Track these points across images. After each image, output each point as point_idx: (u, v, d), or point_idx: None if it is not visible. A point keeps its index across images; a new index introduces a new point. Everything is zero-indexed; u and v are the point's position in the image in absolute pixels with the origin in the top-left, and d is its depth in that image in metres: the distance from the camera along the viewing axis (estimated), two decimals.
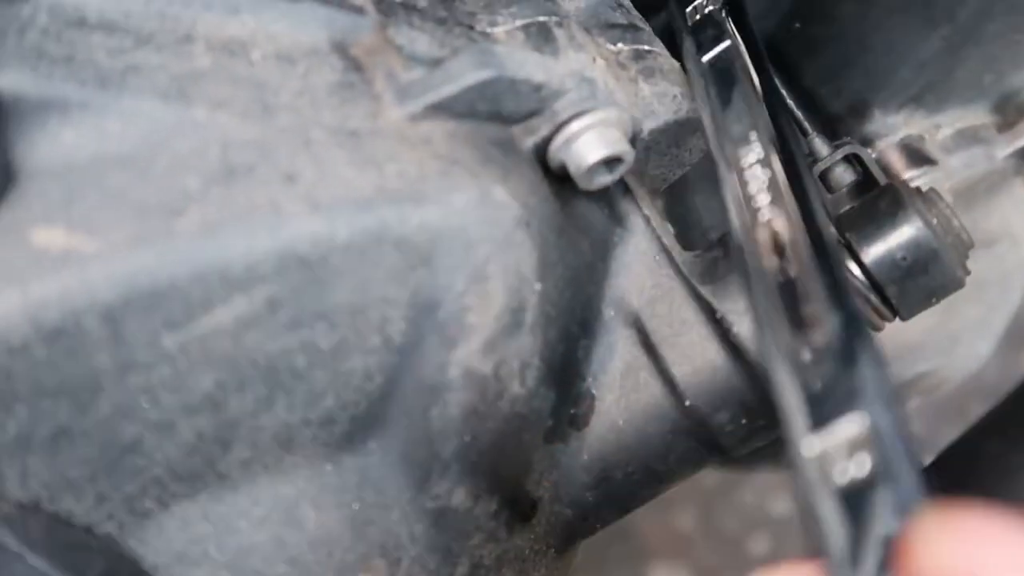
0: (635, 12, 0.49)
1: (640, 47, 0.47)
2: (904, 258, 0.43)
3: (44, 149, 0.33)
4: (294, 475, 0.38)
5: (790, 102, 0.54)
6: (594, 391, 0.45)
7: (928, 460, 0.51)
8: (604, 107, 0.43)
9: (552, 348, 0.42)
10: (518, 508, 0.44)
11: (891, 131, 0.62)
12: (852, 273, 0.44)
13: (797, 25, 0.63)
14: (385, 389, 0.39)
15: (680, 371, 0.44)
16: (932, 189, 0.46)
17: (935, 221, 0.43)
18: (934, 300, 0.45)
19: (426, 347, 0.39)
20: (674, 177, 0.50)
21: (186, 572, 0.37)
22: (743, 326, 0.42)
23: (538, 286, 0.41)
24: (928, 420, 1.28)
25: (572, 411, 0.45)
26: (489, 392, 0.40)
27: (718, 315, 0.43)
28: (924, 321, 0.58)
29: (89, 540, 0.35)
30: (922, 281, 0.43)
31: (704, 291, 0.43)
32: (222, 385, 0.35)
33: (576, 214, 0.44)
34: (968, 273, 0.45)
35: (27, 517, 0.33)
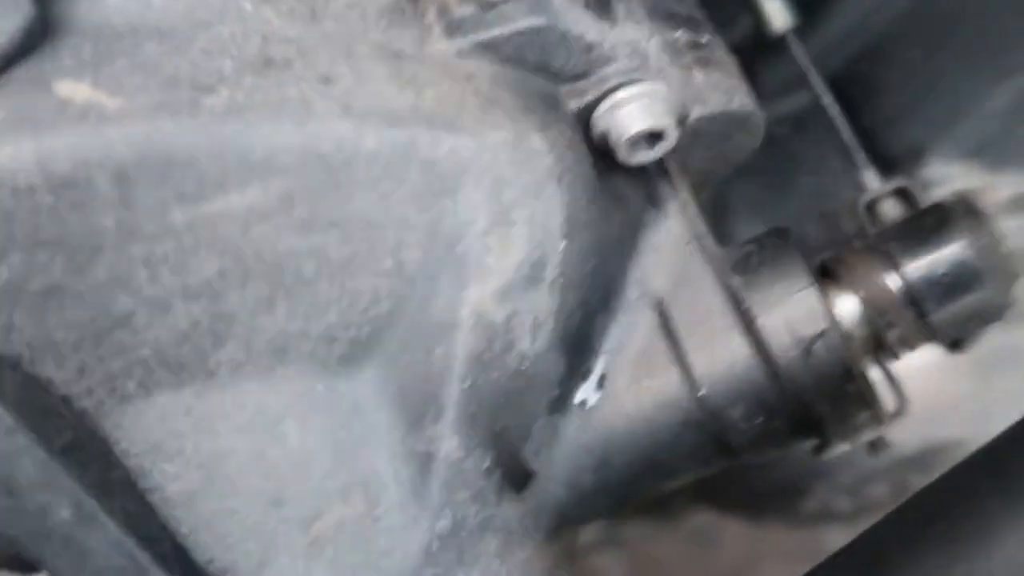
0: (697, 9, 0.49)
1: (699, 39, 0.46)
2: (945, 275, 0.42)
3: (85, 7, 0.33)
4: (284, 388, 0.37)
5: (845, 134, 0.53)
6: (606, 371, 0.43)
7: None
8: (653, 80, 0.42)
9: (569, 313, 0.41)
10: (511, 475, 0.42)
11: (947, 181, 0.60)
12: (890, 286, 0.42)
13: (862, 67, 0.63)
14: (390, 317, 0.37)
15: (698, 359, 0.42)
16: (984, 210, 0.44)
17: (982, 241, 0.42)
18: (974, 325, 0.43)
19: (439, 281, 0.37)
20: (718, 176, 0.48)
21: (157, 465, 0.35)
22: (769, 319, 0.41)
23: (563, 244, 0.40)
24: None
25: (581, 386, 0.43)
26: (497, 341, 0.39)
27: (744, 305, 0.41)
28: (959, 386, 0.55)
29: (63, 410, 0.34)
30: (963, 301, 0.42)
31: (733, 281, 0.42)
32: (224, 274, 0.34)
33: (612, 186, 0.43)
34: (1012, 304, 0.43)
35: (3, 371, 0.32)
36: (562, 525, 0.46)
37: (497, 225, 0.38)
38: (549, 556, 0.47)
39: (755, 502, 0.72)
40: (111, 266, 0.33)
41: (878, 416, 0.41)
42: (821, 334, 0.40)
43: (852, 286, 0.42)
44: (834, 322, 0.40)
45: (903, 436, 0.69)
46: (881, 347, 0.42)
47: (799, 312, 0.40)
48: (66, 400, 0.34)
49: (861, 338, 0.42)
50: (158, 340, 0.34)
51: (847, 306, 0.42)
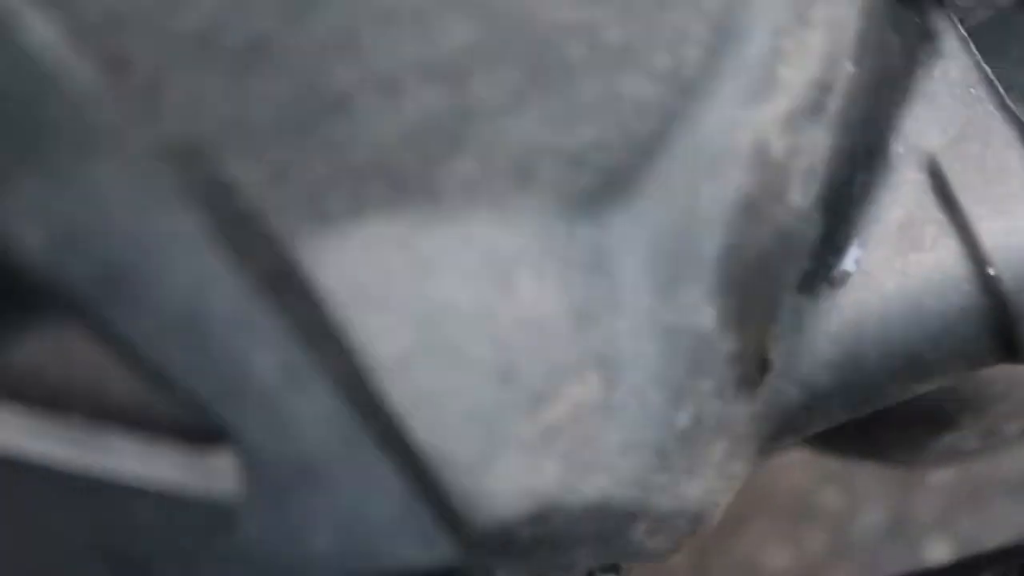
0: None
1: None
2: None
3: None
4: (520, 224, 0.28)
5: None
6: (861, 244, 0.35)
7: None
8: None
9: (839, 160, 0.32)
10: (752, 366, 0.33)
11: None
12: None
13: None
14: (653, 142, 0.29)
15: (987, 228, 0.34)
16: None
17: None
18: None
19: (718, 94, 0.29)
20: (975, 19, 0.40)
21: (362, 315, 0.26)
22: None
23: (851, 69, 0.31)
24: None
25: (830, 259, 0.35)
26: (772, 186, 0.30)
27: None
28: None
29: (253, 228, 0.24)
30: None
31: None
32: (474, 49, 0.25)
33: (890, 7, 0.34)
34: None
35: (186, 160, 0.23)
36: (781, 436, 0.37)
37: (796, 23, 0.29)
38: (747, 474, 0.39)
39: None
40: (329, 19, 0.23)
41: None
42: None
43: None
44: None
45: None
46: None
47: None
48: (256, 216, 0.25)
49: None
50: (379, 137, 0.25)
51: None
